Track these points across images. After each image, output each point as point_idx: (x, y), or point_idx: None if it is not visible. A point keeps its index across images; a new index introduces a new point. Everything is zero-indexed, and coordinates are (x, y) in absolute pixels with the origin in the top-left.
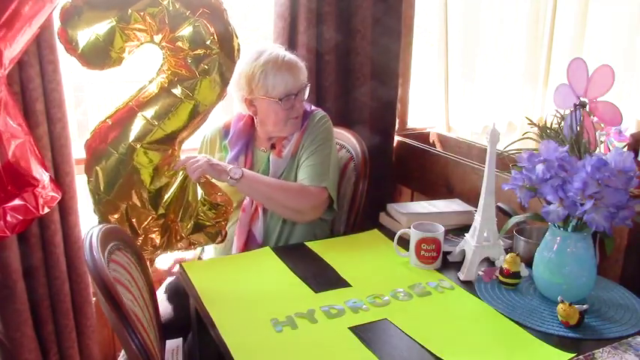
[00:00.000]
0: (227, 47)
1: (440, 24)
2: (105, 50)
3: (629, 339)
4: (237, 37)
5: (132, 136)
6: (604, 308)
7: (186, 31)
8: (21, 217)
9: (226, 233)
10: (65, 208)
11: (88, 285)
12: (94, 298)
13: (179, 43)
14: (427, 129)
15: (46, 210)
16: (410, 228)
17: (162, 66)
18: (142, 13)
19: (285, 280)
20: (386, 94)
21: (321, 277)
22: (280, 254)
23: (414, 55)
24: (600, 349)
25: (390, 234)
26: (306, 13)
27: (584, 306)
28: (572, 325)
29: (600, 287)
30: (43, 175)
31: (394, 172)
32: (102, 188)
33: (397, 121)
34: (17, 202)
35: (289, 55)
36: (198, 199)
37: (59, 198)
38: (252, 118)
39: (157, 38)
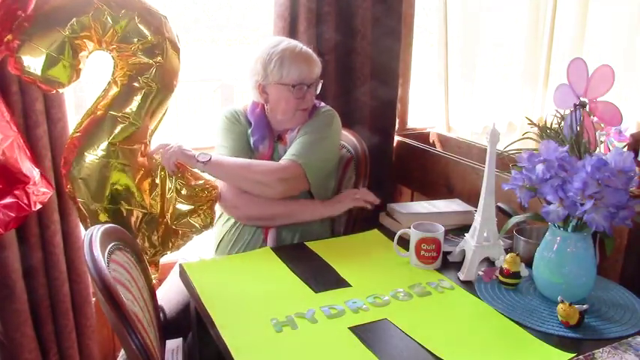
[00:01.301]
0: (170, 33)
1: (440, 24)
2: (62, 66)
3: (629, 339)
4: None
5: (106, 138)
6: (604, 308)
7: (130, 27)
8: (13, 215)
9: (213, 218)
10: (65, 208)
11: (88, 285)
12: (93, 298)
13: (127, 40)
14: (427, 129)
15: (38, 206)
16: (410, 228)
17: (115, 68)
18: (86, 22)
19: (285, 280)
20: (386, 94)
21: (321, 277)
22: (280, 254)
23: (414, 55)
24: (600, 349)
25: (390, 234)
26: (306, 13)
27: (584, 306)
28: (572, 325)
29: (600, 287)
30: (33, 172)
31: (394, 172)
32: (90, 197)
33: (397, 121)
34: (9, 199)
35: (306, 48)
36: (177, 187)
37: (51, 194)
38: (264, 110)
39: (105, 43)
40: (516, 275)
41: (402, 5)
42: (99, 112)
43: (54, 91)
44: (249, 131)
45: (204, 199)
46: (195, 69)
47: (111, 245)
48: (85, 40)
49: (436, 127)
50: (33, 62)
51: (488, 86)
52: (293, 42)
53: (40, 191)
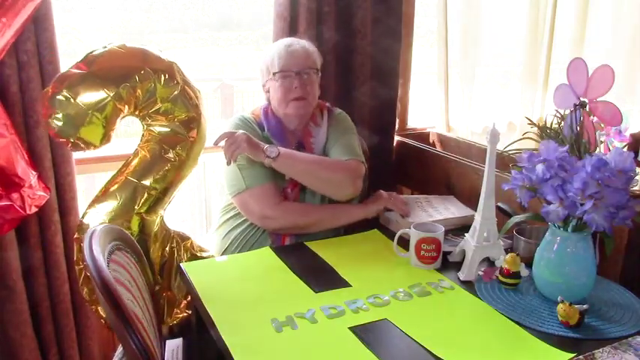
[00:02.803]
0: (203, 108)
1: (440, 24)
2: (99, 128)
3: (629, 339)
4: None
5: (131, 206)
6: (604, 308)
7: (173, 99)
8: (8, 217)
9: None
10: (65, 208)
11: None
12: None
13: (167, 111)
14: (427, 129)
15: (34, 209)
16: (410, 228)
17: (148, 134)
18: (134, 87)
19: (285, 280)
20: (386, 94)
21: (321, 277)
22: (280, 254)
23: (414, 55)
24: (600, 349)
25: (390, 234)
26: (306, 13)
27: (584, 306)
28: (572, 325)
29: (600, 287)
30: (29, 175)
31: (394, 172)
32: None
33: (397, 121)
34: (4, 202)
35: (301, 42)
36: (186, 260)
37: (47, 197)
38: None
39: (143, 109)
40: (516, 275)
41: (402, 5)
42: (125, 179)
43: (83, 151)
44: (270, 135)
45: None
46: (195, 69)
47: (111, 245)
48: (126, 105)
49: (436, 127)
50: (71, 121)
51: (488, 86)
52: (292, 39)
53: (36, 194)
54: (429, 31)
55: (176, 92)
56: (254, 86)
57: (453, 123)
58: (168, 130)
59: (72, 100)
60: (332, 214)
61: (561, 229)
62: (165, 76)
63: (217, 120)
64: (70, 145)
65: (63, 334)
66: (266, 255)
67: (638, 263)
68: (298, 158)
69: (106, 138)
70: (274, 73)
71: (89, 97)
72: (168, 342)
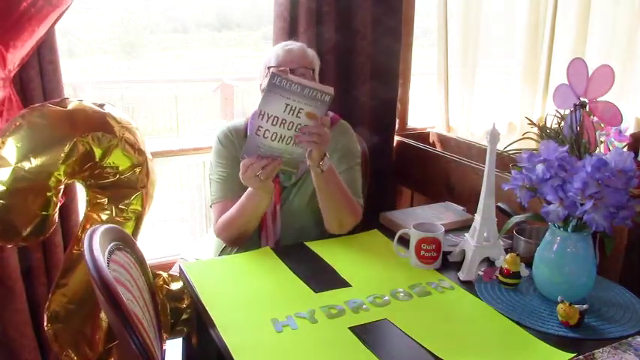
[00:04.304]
0: (146, 149)
1: (440, 24)
2: (44, 222)
3: (629, 339)
4: None
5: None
6: (604, 308)
7: (114, 151)
8: None
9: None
10: (65, 209)
11: None
12: None
13: (108, 166)
14: (427, 129)
15: None
16: (410, 228)
17: (94, 196)
18: (69, 161)
19: (285, 280)
20: (386, 94)
21: (321, 277)
22: (280, 254)
23: (414, 55)
24: (600, 349)
25: (390, 234)
26: (306, 13)
27: (584, 306)
28: (572, 325)
29: (600, 287)
30: None
31: (394, 172)
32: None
33: (397, 121)
34: None
35: (297, 43)
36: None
37: (61, 202)
38: None
39: (80, 172)
40: (516, 275)
41: (402, 5)
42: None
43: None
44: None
45: (189, 305)
46: (195, 69)
47: (111, 245)
48: (64, 179)
49: (436, 127)
50: (12, 225)
51: (488, 86)
52: (292, 41)
53: None
54: (429, 31)
55: (116, 144)
56: (254, 86)
57: (453, 123)
58: (116, 186)
59: (5, 203)
60: (245, 208)
61: (561, 229)
62: (100, 135)
63: (217, 120)
64: (13, 244)
65: None
66: (266, 255)
67: (638, 263)
68: (338, 178)
69: (51, 225)
70: (269, 68)
71: (24, 194)
72: (168, 342)
